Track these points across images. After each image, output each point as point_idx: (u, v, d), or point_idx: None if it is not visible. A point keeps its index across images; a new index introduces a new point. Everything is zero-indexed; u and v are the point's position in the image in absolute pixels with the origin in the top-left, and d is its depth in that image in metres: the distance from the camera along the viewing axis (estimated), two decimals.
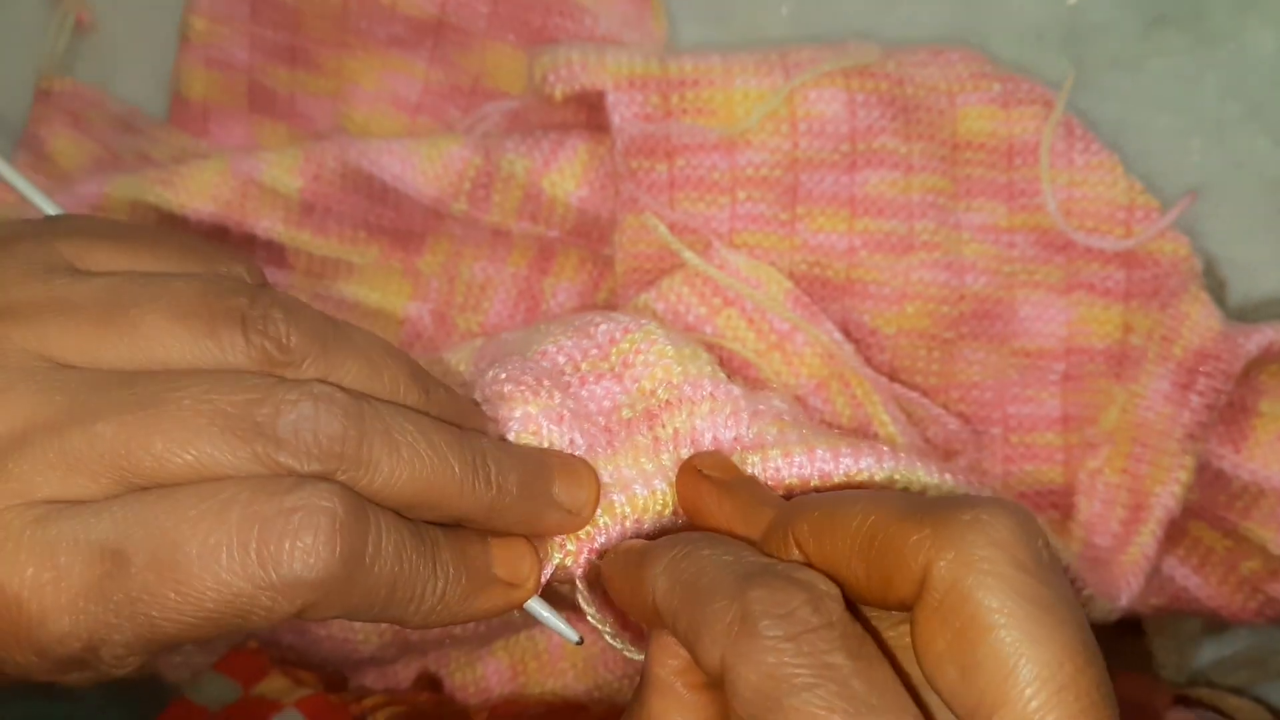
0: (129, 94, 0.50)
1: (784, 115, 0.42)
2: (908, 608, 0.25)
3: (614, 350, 0.33)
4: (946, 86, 0.43)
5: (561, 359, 0.33)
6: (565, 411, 0.31)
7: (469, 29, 0.48)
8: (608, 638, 0.31)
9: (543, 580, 0.30)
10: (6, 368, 0.24)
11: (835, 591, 0.25)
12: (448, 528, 0.28)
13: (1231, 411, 0.42)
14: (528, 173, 0.42)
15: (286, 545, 0.23)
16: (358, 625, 0.41)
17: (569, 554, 0.30)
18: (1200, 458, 0.42)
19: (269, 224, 0.44)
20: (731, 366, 0.41)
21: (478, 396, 0.31)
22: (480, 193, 0.43)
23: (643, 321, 0.34)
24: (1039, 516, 0.41)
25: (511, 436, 0.30)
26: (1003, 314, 0.44)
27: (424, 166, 0.42)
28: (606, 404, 0.32)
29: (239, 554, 0.23)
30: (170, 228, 0.43)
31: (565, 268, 0.45)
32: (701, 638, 0.24)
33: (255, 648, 0.44)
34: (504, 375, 0.31)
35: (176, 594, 0.23)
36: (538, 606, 0.30)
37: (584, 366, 0.33)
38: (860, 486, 0.30)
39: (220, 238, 0.44)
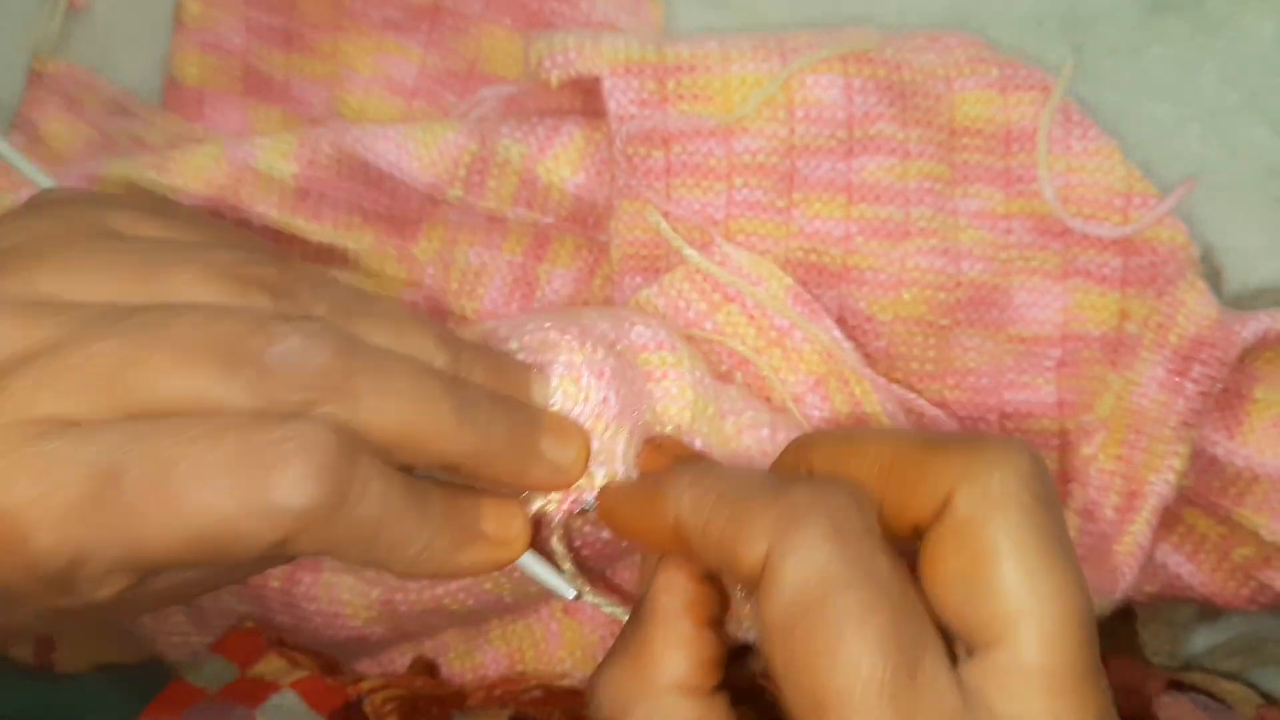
0: (123, 77, 0.50)
1: (781, 101, 0.42)
2: (918, 532, 0.25)
3: (641, 355, 0.34)
4: (944, 72, 0.43)
5: (605, 325, 0.34)
6: (607, 368, 0.31)
7: (465, 12, 0.48)
8: (586, 596, 0.31)
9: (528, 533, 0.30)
10: (24, 301, 0.25)
11: (873, 498, 0.26)
12: (440, 482, 0.28)
13: (1226, 397, 0.42)
14: (523, 159, 0.42)
15: (275, 473, 0.24)
16: (345, 596, 0.41)
17: (551, 500, 0.31)
18: (1194, 444, 0.42)
19: (263, 209, 0.44)
20: (731, 363, 0.41)
21: (514, 345, 0.32)
22: (476, 179, 0.42)
23: (676, 343, 0.35)
24: None
25: (555, 382, 0.31)
26: (999, 300, 0.44)
27: (419, 152, 0.42)
28: (636, 388, 0.33)
29: (229, 477, 0.24)
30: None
31: (561, 254, 0.45)
32: (743, 534, 0.25)
33: (252, 628, 0.44)
34: (549, 324, 0.32)
35: (165, 512, 0.24)
36: (531, 561, 0.30)
37: (619, 347, 0.33)
38: None
39: None
